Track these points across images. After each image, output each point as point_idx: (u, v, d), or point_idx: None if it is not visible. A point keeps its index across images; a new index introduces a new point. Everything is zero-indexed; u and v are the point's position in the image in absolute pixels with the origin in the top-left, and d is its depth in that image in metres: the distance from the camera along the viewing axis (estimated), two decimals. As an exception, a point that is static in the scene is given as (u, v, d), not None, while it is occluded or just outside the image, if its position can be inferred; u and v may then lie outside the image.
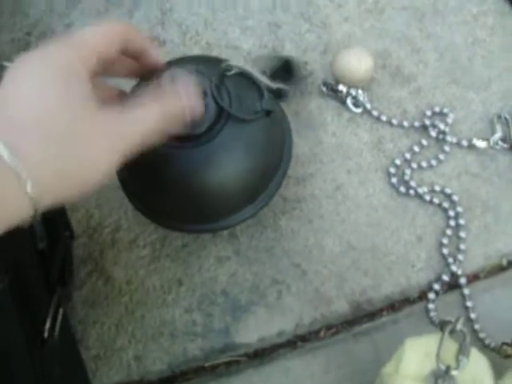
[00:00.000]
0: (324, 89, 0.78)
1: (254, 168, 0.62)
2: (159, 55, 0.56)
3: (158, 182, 0.62)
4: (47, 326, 0.55)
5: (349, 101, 0.77)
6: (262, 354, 0.69)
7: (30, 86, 0.43)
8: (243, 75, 0.62)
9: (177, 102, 0.52)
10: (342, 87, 0.77)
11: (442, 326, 0.60)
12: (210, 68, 0.61)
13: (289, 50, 0.82)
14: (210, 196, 0.62)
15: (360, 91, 0.77)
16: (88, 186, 0.45)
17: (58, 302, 0.58)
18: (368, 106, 0.77)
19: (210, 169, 0.60)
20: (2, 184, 0.39)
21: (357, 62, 0.76)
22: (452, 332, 0.59)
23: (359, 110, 0.77)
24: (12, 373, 0.51)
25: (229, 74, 0.60)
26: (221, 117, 0.59)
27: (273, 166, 0.65)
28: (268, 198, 0.65)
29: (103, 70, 0.50)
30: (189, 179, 0.60)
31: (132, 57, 0.55)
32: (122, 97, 0.58)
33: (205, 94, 0.58)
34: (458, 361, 0.56)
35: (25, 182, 0.39)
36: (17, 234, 0.57)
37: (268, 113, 0.61)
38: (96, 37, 0.49)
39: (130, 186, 0.68)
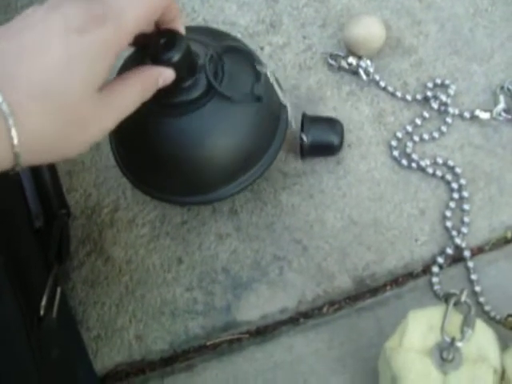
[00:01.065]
0: (332, 61, 0.77)
1: (243, 141, 0.62)
2: (182, 26, 0.55)
3: (150, 154, 0.62)
4: (43, 303, 0.55)
5: (361, 72, 0.76)
6: (264, 332, 0.68)
7: (52, 53, 0.42)
8: (245, 55, 0.62)
9: (152, 74, 0.52)
10: (351, 59, 0.75)
11: (446, 298, 0.59)
12: (214, 41, 0.61)
13: (287, 25, 0.81)
14: (201, 166, 0.61)
15: (369, 62, 0.75)
16: (63, 158, 0.46)
17: (55, 280, 0.58)
18: (377, 77, 0.76)
19: (197, 138, 0.60)
20: None
21: (377, 29, 0.74)
22: (456, 304, 0.58)
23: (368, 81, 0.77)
24: (9, 352, 0.50)
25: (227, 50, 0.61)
26: (209, 90, 0.59)
27: (265, 139, 0.64)
28: (262, 169, 0.64)
29: None
30: (178, 148, 0.60)
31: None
32: None
33: (199, 66, 0.58)
34: (462, 332, 0.55)
35: (14, 143, 0.41)
36: (12, 212, 0.57)
37: (258, 98, 0.61)
38: (140, 14, 0.47)
39: (124, 161, 0.67)
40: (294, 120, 0.66)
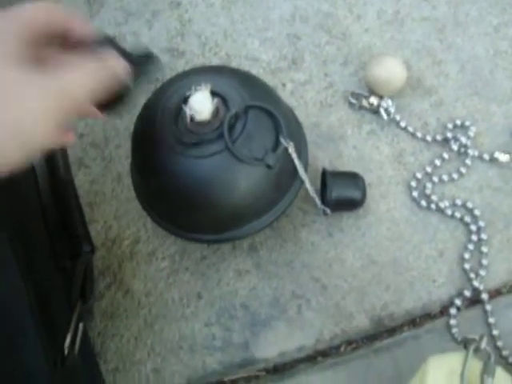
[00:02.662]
0: (353, 100, 0.78)
1: (248, 196, 0.63)
2: (86, 27, 0.52)
3: (167, 191, 0.63)
4: (67, 342, 0.55)
5: (382, 112, 0.77)
6: (282, 369, 0.68)
7: None
8: (274, 122, 0.63)
9: (107, 61, 0.50)
10: (373, 99, 0.76)
11: (465, 344, 0.59)
12: (252, 95, 0.63)
13: (309, 62, 0.81)
14: (212, 207, 0.63)
15: (390, 102, 0.76)
16: (28, 141, 0.43)
17: (79, 318, 0.58)
18: (397, 117, 0.77)
19: (208, 182, 0.61)
20: None
21: (399, 70, 0.75)
22: (476, 350, 0.58)
23: (388, 121, 0.78)
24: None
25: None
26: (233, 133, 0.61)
27: (274, 196, 0.65)
28: (283, 207, 0.65)
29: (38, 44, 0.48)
30: (191, 188, 0.62)
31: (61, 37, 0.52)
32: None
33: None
34: (482, 380, 0.55)
35: None
36: (37, 250, 0.57)
37: (268, 166, 0.61)
38: (26, 11, 0.48)
39: (145, 197, 0.68)
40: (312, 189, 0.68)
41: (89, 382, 0.63)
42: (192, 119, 0.61)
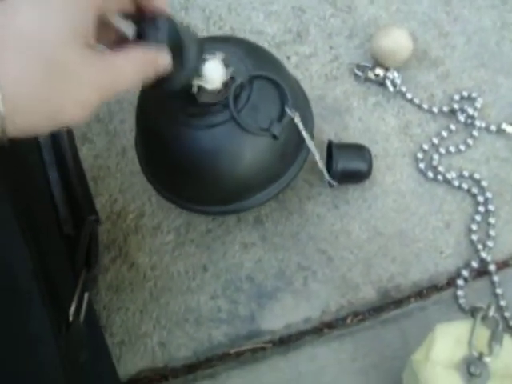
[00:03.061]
0: (359, 72, 0.77)
1: (272, 152, 0.62)
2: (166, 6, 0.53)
3: (172, 162, 0.63)
4: (72, 309, 0.55)
5: (388, 83, 0.76)
6: (287, 341, 0.68)
7: (31, 3, 0.42)
8: (279, 92, 0.62)
9: (152, 54, 0.50)
10: (378, 70, 0.76)
11: (473, 312, 0.59)
12: (255, 64, 0.62)
13: (314, 35, 0.81)
14: (218, 178, 0.63)
15: (396, 73, 0.75)
16: (58, 123, 0.43)
17: (84, 286, 0.58)
18: (403, 88, 0.76)
19: (213, 153, 0.61)
20: None
21: (405, 41, 0.74)
22: (484, 318, 0.58)
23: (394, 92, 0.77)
24: (39, 357, 0.50)
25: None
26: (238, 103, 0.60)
27: (292, 151, 0.65)
28: (289, 179, 0.65)
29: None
30: (196, 159, 0.61)
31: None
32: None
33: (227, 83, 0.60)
34: (490, 347, 0.55)
35: None
36: (41, 218, 0.57)
37: (274, 136, 0.61)
38: None
39: (149, 169, 0.68)
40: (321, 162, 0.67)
41: (95, 352, 0.63)
42: (200, 89, 0.60)
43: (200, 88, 0.59)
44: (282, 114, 0.62)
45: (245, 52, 0.63)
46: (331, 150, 0.70)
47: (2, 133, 0.39)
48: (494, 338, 0.56)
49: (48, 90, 0.41)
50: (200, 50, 0.54)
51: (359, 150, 0.71)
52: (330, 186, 0.70)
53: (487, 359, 0.54)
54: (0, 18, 0.41)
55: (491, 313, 0.58)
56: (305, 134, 0.64)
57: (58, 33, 0.42)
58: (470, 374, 0.54)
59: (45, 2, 0.42)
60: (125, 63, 0.47)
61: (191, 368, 0.68)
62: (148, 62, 0.50)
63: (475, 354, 0.55)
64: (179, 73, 0.52)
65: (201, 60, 0.55)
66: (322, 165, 0.67)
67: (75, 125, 0.44)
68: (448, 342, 0.56)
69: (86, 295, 0.59)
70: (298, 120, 0.63)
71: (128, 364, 0.68)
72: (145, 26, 0.51)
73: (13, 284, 0.49)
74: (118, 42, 0.52)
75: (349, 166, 0.69)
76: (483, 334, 0.56)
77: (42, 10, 0.42)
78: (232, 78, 0.60)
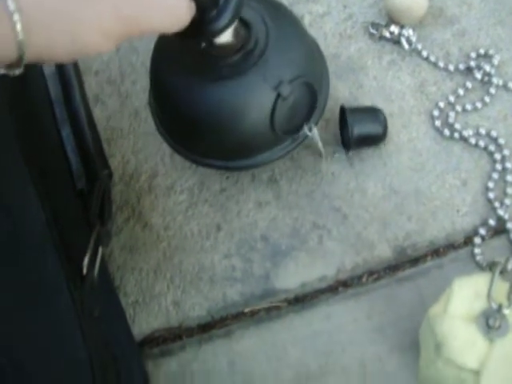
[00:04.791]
0: (373, 30, 0.76)
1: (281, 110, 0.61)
2: None
3: (189, 118, 0.62)
4: (85, 262, 0.54)
5: (403, 41, 0.75)
6: (302, 300, 0.67)
7: None
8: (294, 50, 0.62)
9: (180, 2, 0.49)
10: (393, 28, 0.74)
11: (491, 266, 0.58)
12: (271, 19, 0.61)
13: (327, -6, 0.80)
14: (234, 132, 0.62)
15: (411, 31, 0.74)
16: (79, 43, 0.41)
17: (97, 240, 0.58)
18: (419, 46, 0.75)
19: (229, 107, 0.60)
20: None
21: None
22: (502, 272, 0.57)
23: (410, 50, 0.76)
24: (55, 306, 0.50)
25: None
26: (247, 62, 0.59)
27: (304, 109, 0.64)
28: (304, 135, 0.64)
29: None
30: (221, 113, 0.60)
31: None
32: None
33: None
34: (509, 300, 0.54)
35: (12, 14, 0.37)
36: (54, 172, 0.56)
37: (280, 96, 0.59)
38: None
39: (164, 125, 0.67)
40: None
41: (109, 310, 0.63)
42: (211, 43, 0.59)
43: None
44: (295, 76, 0.60)
45: (265, 8, 0.62)
46: (345, 115, 0.69)
47: (19, 50, 0.38)
48: (513, 291, 0.55)
49: (67, 4, 0.39)
50: None
51: (373, 113, 0.70)
52: (346, 153, 0.69)
53: (506, 311, 0.54)
54: None
55: (510, 266, 0.57)
56: (320, 146, 0.65)
57: None
58: (489, 327, 0.54)
59: None
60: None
61: (206, 327, 0.67)
62: (179, 7, 0.48)
63: (494, 306, 0.54)
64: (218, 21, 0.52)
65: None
66: (322, 149, 0.67)
67: (97, 53, 0.42)
68: (466, 295, 0.56)
69: (100, 250, 0.59)
70: (316, 135, 0.63)
71: (142, 324, 0.67)
72: None
73: (27, 234, 0.49)
74: None
75: (364, 131, 0.68)
76: (502, 287, 0.56)
77: None
78: (244, 32, 0.59)
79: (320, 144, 0.66)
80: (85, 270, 0.54)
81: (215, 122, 0.61)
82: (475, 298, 0.55)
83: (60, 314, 0.51)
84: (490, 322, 0.54)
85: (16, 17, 0.37)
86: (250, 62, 0.59)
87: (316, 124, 0.64)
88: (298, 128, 0.63)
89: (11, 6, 0.36)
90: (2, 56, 0.38)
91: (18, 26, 0.37)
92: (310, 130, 0.63)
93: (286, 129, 0.62)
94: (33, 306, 0.49)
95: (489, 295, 0.54)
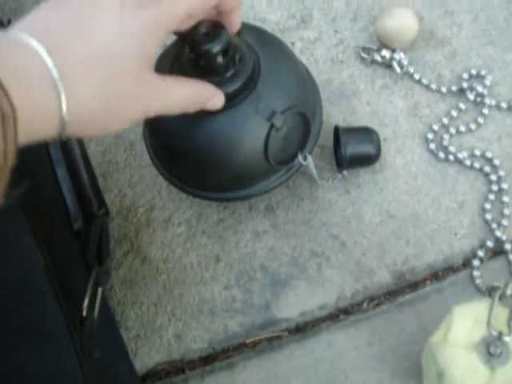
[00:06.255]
0: (365, 55, 0.76)
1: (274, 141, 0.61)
2: (239, 20, 0.56)
3: (185, 151, 0.62)
4: (85, 304, 0.55)
5: (395, 64, 0.75)
6: (304, 329, 0.67)
7: (107, 27, 0.43)
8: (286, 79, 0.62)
9: (207, 88, 0.55)
10: (385, 52, 0.75)
11: (490, 291, 0.58)
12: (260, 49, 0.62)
13: (318, 19, 0.80)
14: (221, 165, 0.62)
15: (402, 54, 0.74)
16: (103, 133, 0.47)
17: (96, 281, 0.58)
18: (411, 69, 0.75)
19: (224, 138, 0.60)
20: (45, 105, 0.40)
21: (411, 21, 0.73)
22: (501, 297, 0.57)
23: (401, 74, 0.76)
24: (53, 353, 0.51)
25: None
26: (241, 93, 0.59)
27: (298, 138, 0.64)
28: (299, 164, 0.64)
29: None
30: (215, 147, 0.60)
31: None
32: None
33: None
34: (509, 326, 0.54)
35: (62, 109, 0.41)
36: (50, 214, 0.57)
37: (274, 127, 0.60)
38: None
39: (160, 160, 0.67)
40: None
41: (110, 347, 0.63)
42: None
43: None
44: (288, 107, 0.61)
45: (253, 38, 0.63)
46: (338, 135, 0.69)
47: (59, 135, 0.42)
48: (513, 317, 0.55)
49: (108, 108, 0.44)
50: None
51: (366, 133, 0.70)
52: (340, 172, 0.70)
53: (507, 338, 0.54)
54: (76, 33, 0.42)
55: (509, 291, 0.57)
56: (315, 174, 0.66)
57: (133, 61, 0.45)
58: (490, 354, 0.54)
59: (120, 24, 0.44)
60: (180, 92, 0.51)
61: (208, 359, 0.67)
62: (201, 97, 0.54)
63: (494, 333, 0.54)
64: None
65: None
66: (317, 177, 0.68)
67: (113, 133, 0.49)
68: (466, 322, 0.56)
69: (100, 290, 0.59)
70: (310, 163, 0.64)
71: (144, 358, 0.67)
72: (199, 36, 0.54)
73: (25, 280, 0.49)
74: None
75: (357, 151, 0.69)
76: (501, 313, 0.56)
77: (119, 35, 0.44)
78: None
79: (315, 172, 0.66)
80: (84, 313, 0.54)
81: (210, 155, 0.61)
82: (475, 325, 0.55)
83: (60, 356, 0.51)
84: (490, 349, 0.54)
85: (64, 115, 0.41)
86: (243, 95, 0.59)
87: (310, 152, 0.64)
88: (293, 157, 0.63)
89: (63, 106, 0.41)
90: (42, 135, 0.42)
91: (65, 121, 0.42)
92: (305, 158, 0.64)
93: (281, 159, 0.62)
94: (33, 349, 0.49)
95: (488, 323, 0.54)
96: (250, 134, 0.60)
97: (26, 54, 0.40)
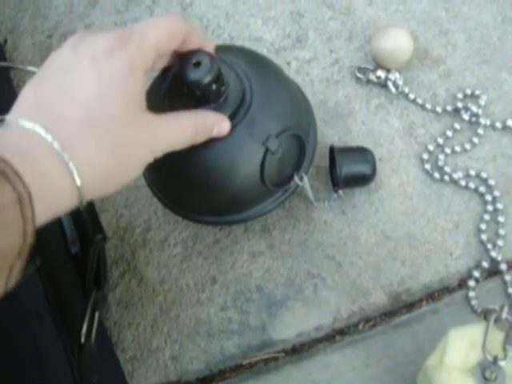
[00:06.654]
0: (360, 75, 0.76)
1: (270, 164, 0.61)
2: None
3: (179, 176, 0.62)
4: (84, 331, 0.55)
5: (390, 84, 0.75)
6: (300, 350, 0.67)
7: (87, 83, 0.45)
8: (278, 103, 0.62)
9: (208, 116, 0.55)
10: (380, 72, 0.75)
11: (485, 314, 0.58)
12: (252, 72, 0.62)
13: (313, 39, 0.80)
14: (219, 190, 0.62)
15: (397, 74, 0.75)
16: (121, 185, 0.48)
17: (94, 307, 0.58)
18: (406, 89, 0.75)
19: (218, 164, 0.60)
20: (57, 178, 0.42)
21: (405, 41, 0.74)
22: (497, 321, 0.57)
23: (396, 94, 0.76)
24: (53, 380, 0.51)
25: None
26: (237, 115, 0.59)
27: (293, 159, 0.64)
28: (285, 196, 0.64)
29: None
30: (211, 173, 0.60)
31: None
32: None
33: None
34: (505, 351, 0.54)
35: (74, 177, 0.42)
36: (48, 239, 0.57)
37: (269, 150, 0.60)
38: (160, 33, 0.49)
39: (154, 183, 0.67)
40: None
41: (107, 371, 0.63)
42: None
43: None
44: (282, 130, 0.61)
45: (246, 63, 0.63)
46: (334, 155, 0.69)
47: (80, 202, 0.44)
48: (508, 341, 0.55)
49: (117, 160, 0.46)
50: None
51: (362, 153, 0.70)
52: (336, 192, 0.70)
53: (502, 363, 0.54)
54: (60, 101, 0.44)
55: (504, 315, 0.57)
56: (311, 195, 0.67)
57: (120, 105, 0.46)
58: (485, 379, 0.54)
59: (97, 79, 0.45)
60: (180, 127, 0.52)
61: (204, 381, 0.68)
62: (205, 127, 0.55)
63: (490, 358, 0.54)
64: None
65: None
66: (312, 198, 0.69)
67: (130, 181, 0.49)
68: (462, 346, 0.56)
69: (97, 314, 0.59)
70: (306, 184, 0.64)
71: (141, 379, 0.67)
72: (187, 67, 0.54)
73: (23, 306, 0.49)
74: None
75: (352, 171, 0.69)
76: (497, 336, 0.56)
77: (99, 86, 0.45)
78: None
79: (310, 193, 0.66)
80: (83, 339, 0.54)
81: (206, 181, 0.61)
82: (470, 349, 0.55)
83: (58, 382, 0.51)
84: (486, 374, 0.54)
85: (78, 182, 0.43)
86: (237, 120, 0.59)
87: (306, 173, 0.64)
88: (289, 179, 0.64)
89: (75, 173, 0.43)
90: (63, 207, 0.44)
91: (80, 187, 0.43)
92: (301, 179, 0.64)
93: (277, 181, 0.62)
94: (31, 375, 0.49)
95: (484, 347, 0.55)
96: (246, 158, 0.60)
97: (26, 136, 0.42)
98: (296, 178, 0.63)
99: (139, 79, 0.47)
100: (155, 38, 0.49)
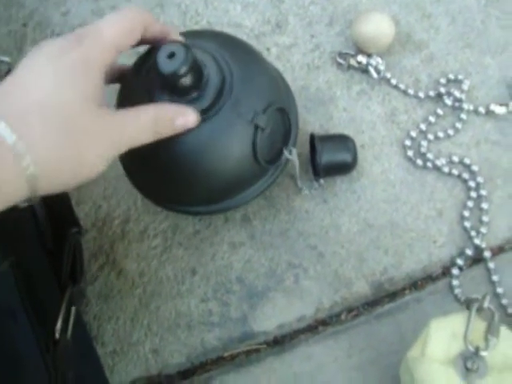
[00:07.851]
0: (341, 60, 0.75)
1: (242, 159, 0.60)
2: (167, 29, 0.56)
3: (159, 165, 0.61)
4: (58, 326, 0.54)
5: (372, 70, 0.74)
6: (282, 341, 0.66)
7: (43, 76, 0.46)
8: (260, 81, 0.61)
9: (169, 109, 0.55)
10: (361, 57, 0.74)
11: (468, 304, 0.57)
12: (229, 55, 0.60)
13: (293, 24, 0.79)
14: (212, 176, 0.60)
15: (379, 59, 0.73)
16: (84, 178, 0.48)
17: (70, 301, 0.57)
18: (388, 75, 0.74)
19: (200, 151, 0.59)
20: (4, 165, 0.42)
21: (387, 26, 0.72)
22: (479, 310, 0.56)
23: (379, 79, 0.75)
24: (27, 377, 0.50)
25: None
26: (215, 105, 0.58)
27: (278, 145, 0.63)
28: (276, 175, 0.63)
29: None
30: (191, 159, 0.59)
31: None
32: (124, 72, 0.61)
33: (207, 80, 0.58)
34: (487, 341, 0.54)
35: (27, 166, 0.43)
36: (22, 233, 0.55)
37: (258, 127, 0.59)
38: (116, 29, 0.50)
39: (134, 173, 0.66)
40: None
41: (84, 366, 0.62)
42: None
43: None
44: (267, 105, 0.60)
45: (221, 45, 0.61)
46: (314, 143, 0.68)
47: (34, 192, 0.44)
48: (490, 331, 0.54)
49: (70, 149, 0.46)
50: None
51: (342, 141, 0.69)
52: (317, 181, 0.69)
53: (484, 353, 0.53)
54: (16, 91, 0.46)
55: (486, 304, 0.56)
56: (297, 170, 0.66)
57: (74, 100, 0.46)
58: (467, 369, 0.53)
59: (52, 73, 0.47)
60: (138, 119, 0.51)
61: (186, 374, 0.66)
62: (163, 119, 0.54)
63: (471, 348, 0.53)
64: None
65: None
66: (300, 182, 0.68)
67: (94, 177, 0.48)
68: (443, 337, 0.55)
69: (74, 309, 0.57)
70: (295, 157, 0.63)
71: (122, 373, 0.66)
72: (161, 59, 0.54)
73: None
74: None
75: (333, 159, 0.68)
76: (479, 326, 0.55)
77: (54, 81, 0.46)
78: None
79: (297, 168, 0.65)
80: (57, 335, 0.53)
81: (201, 169, 0.60)
82: (452, 339, 0.55)
83: (33, 379, 0.50)
84: (468, 364, 0.53)
85: (30, 169, 0.43)
86: (222, 102, 0.58)
87: (294, 146, 0.63)
88: (279, 154, 0.62)
89: (28, 170, 0.43)
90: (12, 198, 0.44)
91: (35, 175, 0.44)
92: (290, 153, 0.63)
93: (269, 158, 0.61)
94: (4, 372, 0.48)
95: (465, 337, 0.54)
96: (237, 139, 0.59)
97: None
98: (286, 152, 0.62)
99: (95, 74, 0.48)
100: (111, 34, 0.50)
